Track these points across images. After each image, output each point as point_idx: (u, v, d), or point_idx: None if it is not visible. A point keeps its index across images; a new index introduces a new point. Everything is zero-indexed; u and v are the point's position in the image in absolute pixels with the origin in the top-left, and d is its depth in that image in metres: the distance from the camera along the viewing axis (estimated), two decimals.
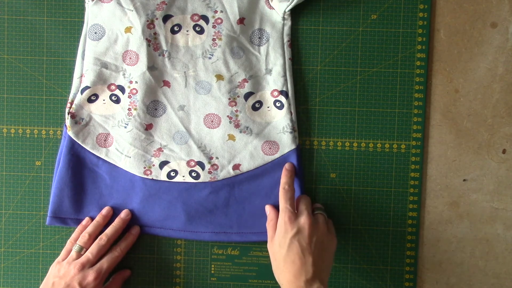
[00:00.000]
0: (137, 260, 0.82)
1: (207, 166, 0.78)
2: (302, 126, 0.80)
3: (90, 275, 0.73)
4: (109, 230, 0.77)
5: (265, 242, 0.76)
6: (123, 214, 0.78)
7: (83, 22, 0.79)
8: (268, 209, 0.77)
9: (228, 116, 0.78)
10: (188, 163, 0.78)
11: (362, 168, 0.80)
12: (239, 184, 0.79)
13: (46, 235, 0.81)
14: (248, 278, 0.82)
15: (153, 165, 0.78)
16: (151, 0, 0.77)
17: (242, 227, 0.79)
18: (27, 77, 0.81)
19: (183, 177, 0.78)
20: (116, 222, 0.78)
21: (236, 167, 0.78)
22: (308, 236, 0.71)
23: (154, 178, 0.78)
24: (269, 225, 0.75)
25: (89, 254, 0.75)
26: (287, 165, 0.78)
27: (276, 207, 0.77)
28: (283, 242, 0.71)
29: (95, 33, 0.78)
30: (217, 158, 0.78)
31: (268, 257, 0.80)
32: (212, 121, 0.78)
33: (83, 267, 0.74)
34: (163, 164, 0.79)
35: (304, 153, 0.80)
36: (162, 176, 0.79)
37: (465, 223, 0.81)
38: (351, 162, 0.80)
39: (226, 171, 0.78)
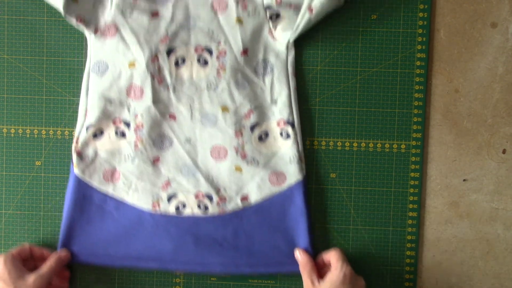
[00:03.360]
0: None
1: (215, 198, 0.78)
2: (302, 126, 0.80)
3: None
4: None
5: (272, 274, 0.77)
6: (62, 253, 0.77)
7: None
8: (300, 254, 0.77)
9: (234, 147, 0.78)
10: (196, 195, 0.78)
11: (362, 168, 0.80)
12: (248, 216, 0.78)
13: (46, 235, 0.81)
14: (248, 278, 0.82)
15: (161, 199, 0.78)
16: (154, 34, 0.77)
17: (252, 259, 0.78)
18: (27, 77, 0.81)
19: (192, 210, 0.78)
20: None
21: (244, 198, 0.78)
22: None
23: (163, 211, 0.78)
24: (304, 269, 0.75)
25: None
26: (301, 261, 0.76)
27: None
28: None
29: (99, 68, 0.78)
30: (224, 190, 0.78)
31: None
32: (218, 153, 0.78)
33: None
34: (171, 197, 0.78)
35: (304, 153, 0.80)
36: (171, 209, 0.78)
37: (465, 223, 0.81)
38: (351, 162, 0.80)
39: (234, 203, 0.78)
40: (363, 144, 0.80)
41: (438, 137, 0.81)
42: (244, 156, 0.78)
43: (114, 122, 0.78)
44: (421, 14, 0.79)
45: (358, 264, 0.81)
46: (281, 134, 0.78)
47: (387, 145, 0.80)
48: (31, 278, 0.72)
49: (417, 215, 0.80)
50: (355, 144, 0.80)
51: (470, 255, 0.81)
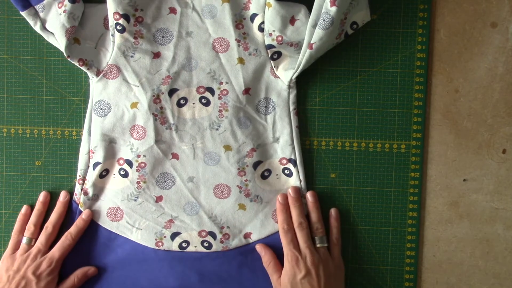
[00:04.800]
0: None
1: (219, 236, 0.79)
2: (302, 126, 0.80)
3: (43, 264, 0.76)
4: (52, 217, 0.78)
5: None
6: (62, 197, 0.79)
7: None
8: (262, 249, 0.78)
9: (238, 186, 0.78)
10: (199, 233, 0.79)
11: (362, 168, 0.80)
12: (252, 252, 0.79)
13: None
14: None
15: (165, 237, 0.79)
16: (156, 74, 0.77)
17: None
18: (27, 77, 0.81)
19: (195, 247, 0.79)
20: (57, 207, 0.79)
21: (247, 235, 0.79)
22: (316, 276, 0.74)
23: (166, 249, 0.79)
24: (269, 267, 0.77)
25: (39, 244, 0.77)
26: (280, 198, 0.78)
27: (268, 246, 0.78)
28: (293, 285, 0.73)
29: (101, 109, 0.78)
30: (228, 227, 0.79)
31: None
32: (222, 192, 0.79)
33: (36, 257, 0.76)
34: (174, 235, 0.79)
35: (304, 153, 0.80)
36: (174, 247, 0.79)
37: (465, 223, 0.81)
38: (351, 162, 0.80)
39: (238, 240, 0.79)
40: (363, 144, 0.80)
41: (438, 137, 0.81)
42: (247, 194, 0.78)
43: (118, 162, 0.79)
44: (421, 14, 0.79)
45: (358, 264, 0.81)
46: (283, 171, 0.79)
47: (387, 145, 0.80)
48: None
49: (417, 215, 0.80)
50: (355, 144, 0.80)
51: (470, 255, 0.81)
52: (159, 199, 0.79)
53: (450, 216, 0.81)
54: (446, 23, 0.80)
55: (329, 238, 0.78)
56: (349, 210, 0.81)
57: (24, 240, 0.78)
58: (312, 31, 0.73)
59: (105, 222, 0.79)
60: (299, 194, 0.78)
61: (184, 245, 0.79)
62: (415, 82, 0.80)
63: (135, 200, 0.78)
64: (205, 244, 0.79)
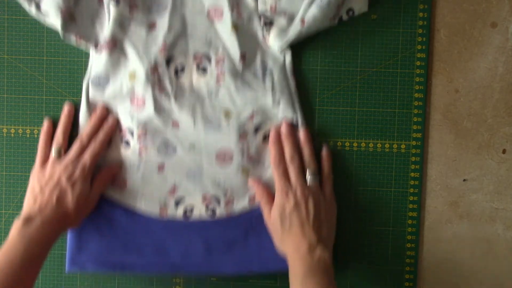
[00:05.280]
0: None
1: (223, 202, 0.79)
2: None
3: (77, 170, 0.75)
4: (87, 129, 0.77)
5: (286, 271, 0.74)
6: (99, 110, 0.78)
7: None
8: (254, 183, 0.78)
9: (239, 150, 0.78)
10: (203, 200, 0.79)
11: (362, 168, 0.80)
12: (257, 216, 0.78)
13: None
14: (249, 278, 0.82)
15: (169, 204, 0.79)
16: (153, 45, 0.77)
17: (262, 258, 0.78)
18: (27, 77, 0.81)
19: (200, 214, 0.79)
20: (93, 120, 0.78)
21: (251, 200, 0.79)
22: (305, 208, 0.74)
23: (171, 217, 0.79)
24: (261, 200, 0.77)
25: (71, 152, 0.76)
26: (272, 133, 0.78)
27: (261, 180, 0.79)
28: (283, 217, 0.74)
29: (99, 81, 0.78)
30: (232, 193, 0.79)
31: None
32: (224, 157, 0.78)
33: (67, 165, 0.75)
34: (178, 202, 0.79)
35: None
36: (179, 214, 0.79)
37: (465, 223, 0.81)
38: (351, 162, 0.80)
39: (242, 205, 0.79)
40: (363, 144, 0.80)
41: (438, 137, 0.81)
42: (250, 158, 0.78)
43: (120, 131, 0.78)
44: (421, 14, 0.79)
45: (358, 264, 0.81)
46: None
47: (387, 145, 0.80)
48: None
49: (417, 215, 0.80)
50: (355, 144, 0.80)
51: (470, 255, 0.81)
52: (161, 167, 0.79)
53: (450, 216, 0.81)
54: (446, 23, 0.80)
55: (321, 175, 0.78)
56: (349, 210, 0.81)
57: (54, 151, 0.77)
58: (307, 8, 0.74)
59: (108, 192, 0.79)
60: (292, 129, 0.78)
61: (188, 212, 0.79)
62: (415, 82, 0.80)
63: (137, 169, 0.78)
64: (209, 210, 0.79)
